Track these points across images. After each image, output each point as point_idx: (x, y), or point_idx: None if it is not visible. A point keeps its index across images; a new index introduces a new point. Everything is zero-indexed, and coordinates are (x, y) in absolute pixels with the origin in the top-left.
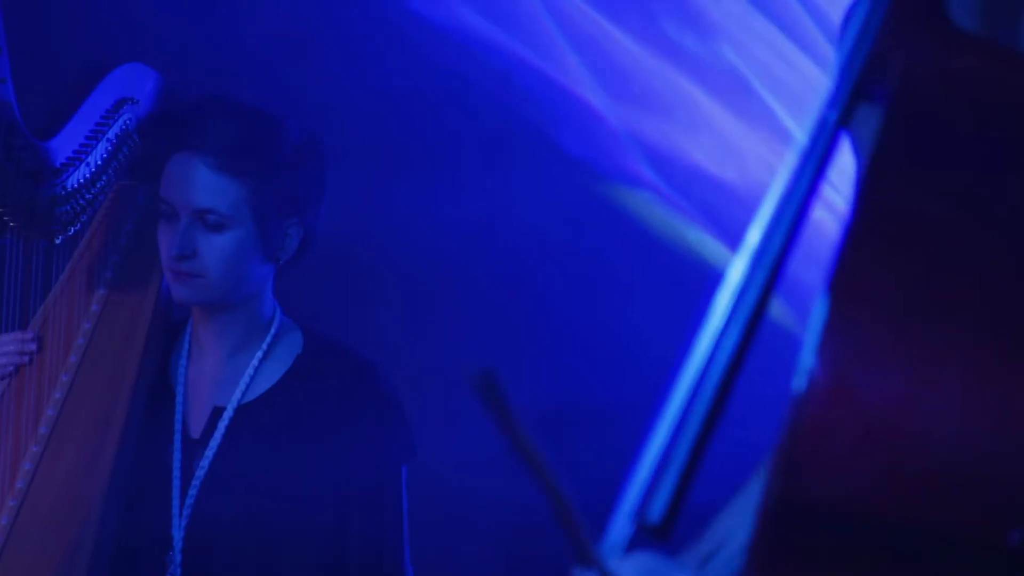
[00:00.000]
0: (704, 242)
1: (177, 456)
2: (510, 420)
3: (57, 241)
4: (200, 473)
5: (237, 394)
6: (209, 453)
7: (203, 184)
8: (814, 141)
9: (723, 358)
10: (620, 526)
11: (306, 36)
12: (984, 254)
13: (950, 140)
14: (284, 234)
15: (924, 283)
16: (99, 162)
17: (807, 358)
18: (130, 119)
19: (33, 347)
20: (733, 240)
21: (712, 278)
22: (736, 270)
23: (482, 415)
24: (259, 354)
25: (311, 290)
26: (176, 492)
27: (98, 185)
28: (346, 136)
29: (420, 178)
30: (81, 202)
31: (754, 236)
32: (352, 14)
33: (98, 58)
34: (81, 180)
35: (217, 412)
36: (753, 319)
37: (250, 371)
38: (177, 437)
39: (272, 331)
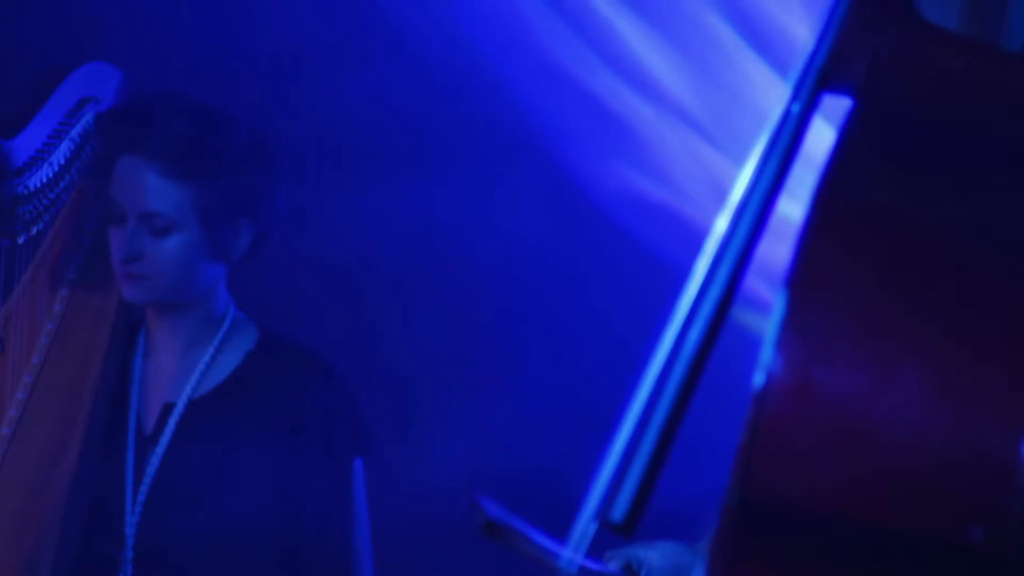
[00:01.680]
0: None
1: (130, 453)
2: (519, 546)
3: (20, 241)
4: (151, 470)
5: (187, 389)
6: (159, 450)
7: (149, 188)
8: (778, 132)
9: (687, 353)
10: (584, 523)
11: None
12: (949, 250)
13: (916, 133)
14: (235, 234)
15: (886, 278)
16: (62, 161)
17: (766, 354)
18: (92, 119)
19: None
20: None
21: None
22: (702, 265)
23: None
24: (211, 350)
25: (299, 294)
26: (128, 488)
27: (61, 185)
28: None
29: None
30: (44, 201)
31: (720, 228)
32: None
33: (62, 57)
34: (44, 180)
35: (168, 408)
36: (718, 313)
37: (201, 366)
38: (131, 434)
39: (224, 326)
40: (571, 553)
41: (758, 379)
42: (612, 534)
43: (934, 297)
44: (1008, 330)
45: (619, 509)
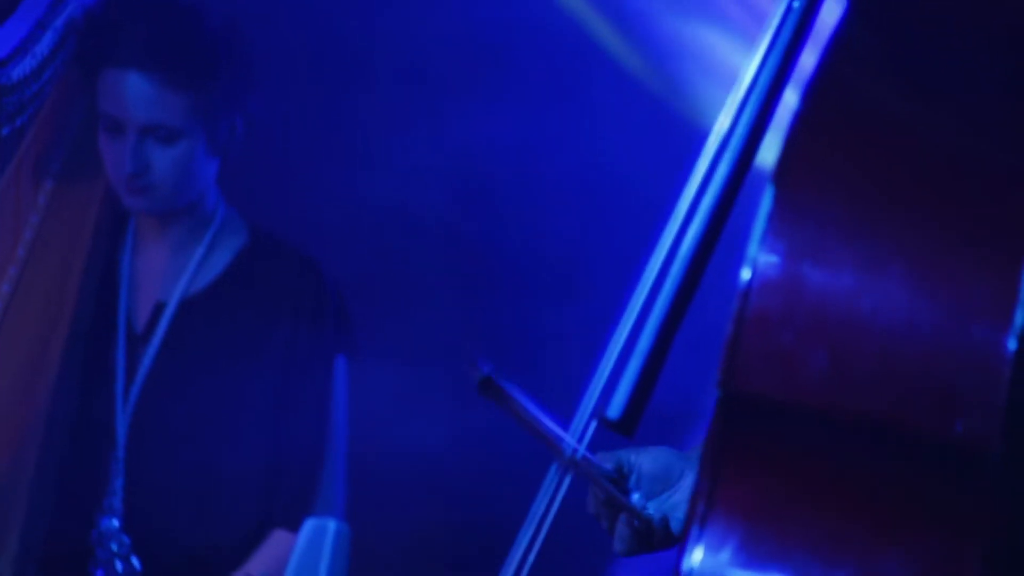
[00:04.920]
0: None
1: (120, 351)
2: (513, 406)
3: (3, 133)
4: (143, 369)
5: (179, 289)
6: (152, 349)
7: (147, 100)
8: (779, 28)
9: (687, 250)
10: (582, 421)
11: None
12: (939, 148)
13: (913, 30)
14: (233, 129)
15: (875, 173)
16: (46, 53)
17: (752, 248)
18: (77, 9)
19: None
20: None
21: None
22: (701, 166)
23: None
24: (201, 248)
25: (351, 231)
26: (120, 388)
27: (45, 76)
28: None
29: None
30: (27, 93)
31: (722, 125)
32: None
33: None
34: (27, 71)
35: (160, 307)
36: (718, 210)
37: (192, 265)
38: (121, 332)
39: (215, 223)
40: (571, 440)
41: (744, 274)
42: (611, 431)
43: (924, 194)
44: (996, 229)
45: (616, 405)
